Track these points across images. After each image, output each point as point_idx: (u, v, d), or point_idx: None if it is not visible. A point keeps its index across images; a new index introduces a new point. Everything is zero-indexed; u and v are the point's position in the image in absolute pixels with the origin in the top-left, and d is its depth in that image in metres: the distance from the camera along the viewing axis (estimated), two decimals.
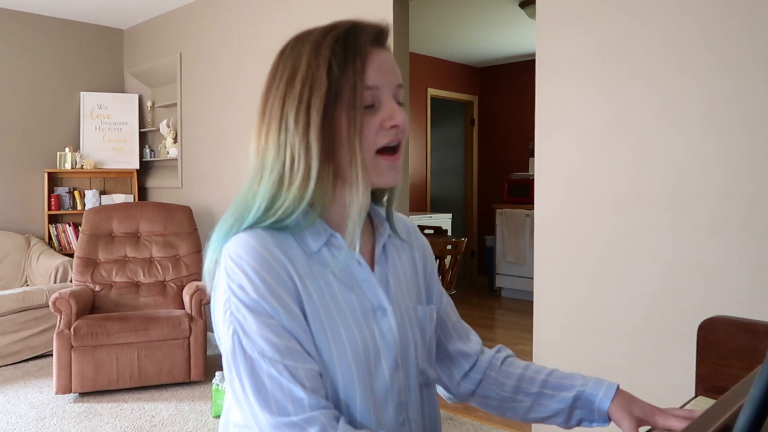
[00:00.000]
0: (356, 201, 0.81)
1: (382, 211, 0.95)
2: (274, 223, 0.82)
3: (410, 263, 0.98)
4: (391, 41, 0.90)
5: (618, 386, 0.95)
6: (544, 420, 1.00)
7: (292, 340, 0.77)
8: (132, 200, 4.82)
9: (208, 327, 4.02)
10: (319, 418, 0.74)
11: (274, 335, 0.76)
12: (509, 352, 1.08)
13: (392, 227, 0.96)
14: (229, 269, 0.79)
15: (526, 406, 1.00)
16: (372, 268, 0.90)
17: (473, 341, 1.07)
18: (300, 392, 0.75)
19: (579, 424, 0.99)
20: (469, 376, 1.04)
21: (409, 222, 1.06)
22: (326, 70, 0.79)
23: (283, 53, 0.86)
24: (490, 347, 1.09)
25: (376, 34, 0.84)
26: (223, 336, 0.79)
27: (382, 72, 0.82)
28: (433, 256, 1.07)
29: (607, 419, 0.94)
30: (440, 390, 1.06)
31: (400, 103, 0.85)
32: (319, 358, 0.80)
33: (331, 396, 0.80)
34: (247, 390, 0.76)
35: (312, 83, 0.80)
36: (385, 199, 0.96)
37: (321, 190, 0.81)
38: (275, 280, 0.78)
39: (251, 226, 0.82)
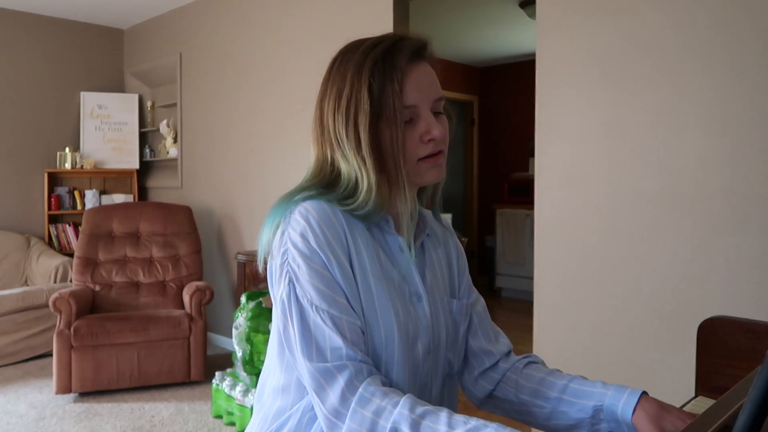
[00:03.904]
0: (405, 206, 0.89)
1: (425, 211, 1.03)
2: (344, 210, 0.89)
3: (446, 260, 1.05)
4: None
5: (642, 393, 0.87)
6: (567, 430, 0.94)
7: (340, 293, 0.83)
8: (132, 200, 4.82)
9: (208, 327, 4.02)
10: (349, 367, 0.79)
11: (323, 285, 0.82)
12: (537, 358, 1.05)
13: (437, 218, 1.04)
14: (294, 221, 0.85)
15: (546, 413, 0.95)
16: None
17: (501, 343, 1.05)
18: (339, 341, 0.80)
19: None
20: (488, 374, 1.02)
21: (447, 222, 1.12)
22: (368, 91, 0.85)
23: (332, 69, 0.91)
24: None
25: (413, 51, 0.88)
26: (279, 285, 0.85)
27: (420, 89, 0.87)
28: (465, 257, 1.11)
29: None
30: (463, 389, 1.06)
31: (440, 113, 0.91)
32: (363, 317, 0.85)
33: (373, 355, 0.85)
34: (296, 336, 0.82)
35: (356, 103, 0.86)
36: (426, 197, 1.02)
37: (381, 196, 0.88)
38: (333, 236, 0.85)
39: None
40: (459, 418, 0.73)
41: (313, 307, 0.81)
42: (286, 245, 0.84)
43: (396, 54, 0.86)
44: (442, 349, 0.95)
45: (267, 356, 0.95)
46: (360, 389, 0.77)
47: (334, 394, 0.78)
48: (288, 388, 0.89)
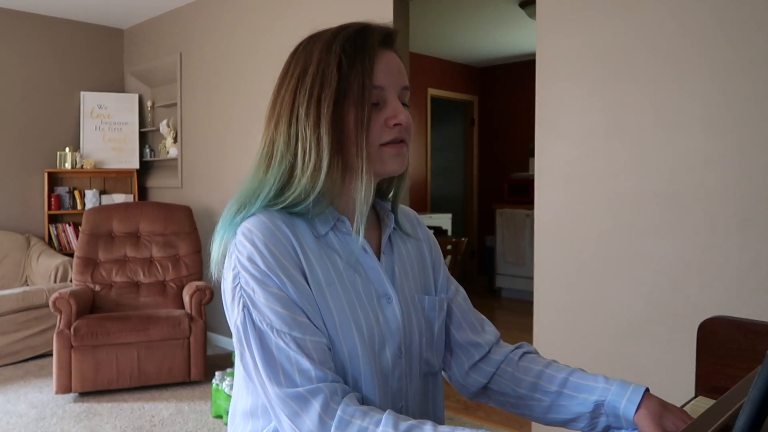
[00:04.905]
0: (361, 192, 0.84)
1: (388, 205, 0.98)
2: (284, 208, 0.85)
3: (417, 254, 1.00)
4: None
5: (646, 390, 0.87)
6: (565, 423, 0.93)
7: (300, 312, 0.80)
8: (132, 200, 4.82)
9: (208, 327, 4.02)
10: (323, 390, 0.76)
11: (281, 307, 0.79)
12: (531, 348, 1.03)
13: (396, 221, 0.97)
14: (240, 244, 0.82)
15: (545, 406, 0.94)
16: (378, 258, 0.92)
17: (487, 332, 1.03)
18: (306, 363, 0.77)
19: (607, 431, 0.90)
20: (479, 367, 1.00)
21: (414, 215, 1.07)
22: (336, 67, 0.82)
23: (295, 52, 0.89)
24: None
25: (383, 36, 0.87)
26: (232, 311, 0.81)
27: (389, 73, 0.86)
28: (439, 247, 1.07)
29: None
30: (452, 383, 1.04)
31: (405, 105, 0.88)
32: (327, 333, 0.82)
33: (339, 370, 0.82)
34: (257, 362, 0.78)
35: (323, 79, 0.83)
36: (390, 194, 0.98)
37: (330, 180, 0.84)
38: (282, 253, 0.81)
39: (261, 210, 0.85)
40: (444, 429, 0.73)
41: (274, 331, 0.78)
42: (236, 269, 0.81)
43: (367, 35, 0.85)
44: (416, 350, 0.92)
45: (235, 378, 0.93)
46: (338, 412, 0.75)
47: (310, 420, 0.75)
48: (255, 411, 0.87)
